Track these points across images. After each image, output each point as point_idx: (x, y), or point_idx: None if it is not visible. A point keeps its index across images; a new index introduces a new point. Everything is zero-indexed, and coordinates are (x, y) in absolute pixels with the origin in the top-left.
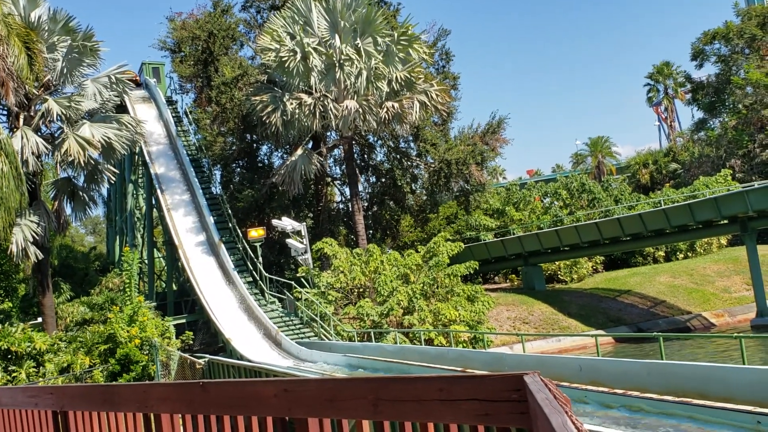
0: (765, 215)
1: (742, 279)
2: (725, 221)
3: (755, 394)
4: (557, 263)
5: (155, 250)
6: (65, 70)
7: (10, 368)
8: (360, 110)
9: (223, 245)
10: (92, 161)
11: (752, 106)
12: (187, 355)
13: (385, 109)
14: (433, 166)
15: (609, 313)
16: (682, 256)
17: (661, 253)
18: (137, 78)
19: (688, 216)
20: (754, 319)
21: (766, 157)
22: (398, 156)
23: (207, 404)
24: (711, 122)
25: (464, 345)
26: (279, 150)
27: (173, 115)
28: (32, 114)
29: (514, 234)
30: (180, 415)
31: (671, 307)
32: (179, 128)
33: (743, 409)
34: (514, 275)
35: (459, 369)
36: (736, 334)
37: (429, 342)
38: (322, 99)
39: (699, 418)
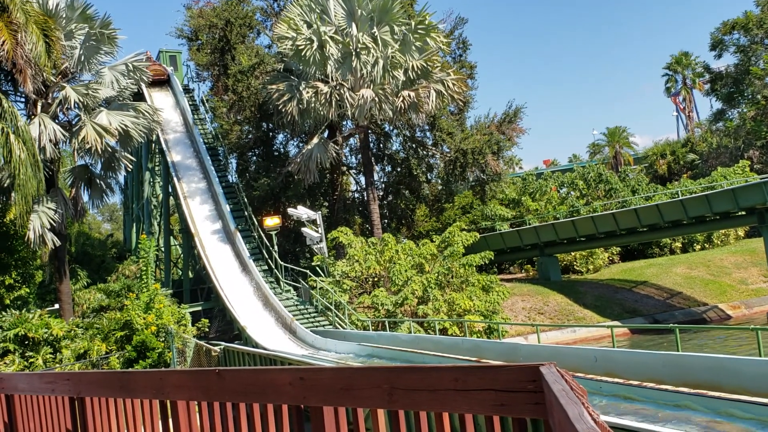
0: None
1: (759, 271)
2: (743, 212)
3: None
4: (573, 254)
5: (172, 237)
6: (83, 58)
7: (27, 354)
8: (376, 99)
9: (238, 233)
10: (109, 149)
11: None
12: (203, 343)
13: (401, 98)
14: (448, 155)
15: (625, 304)
16: (699, 247)
17: (678, 245)
18: (164, 72)
19: (705, 207)
20: None
21: None
22: (414, 145)
23: (223, 391)
24: (729, 113)
25: (479, 335)
26: (295, 139)
27: (190, 103)
28: (50, 101)
29: (529, 224)
30: (196, 402)
31: (687, 298)
32: (196, 116)
33: (759, 401)
34: (529, 265)
35: (473, 359)
36: (752, 326)
37: (443, 332)
38: (338, 88)
39: (716, 410)
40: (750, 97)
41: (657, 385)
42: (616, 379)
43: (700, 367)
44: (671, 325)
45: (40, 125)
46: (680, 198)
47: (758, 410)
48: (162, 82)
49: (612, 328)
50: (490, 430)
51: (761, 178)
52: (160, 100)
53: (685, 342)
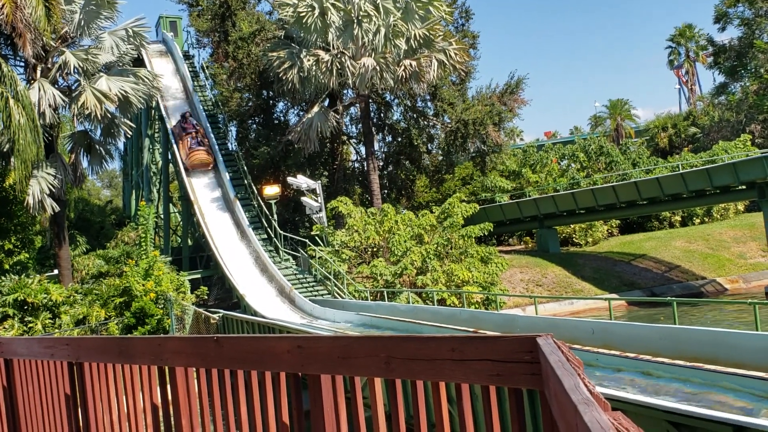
0: None
1: (758, 245)
2: (743, 187)
3: (767, 360)
4: (572, 226)
5: (171, 205)
6: (83, 23)
7: (26, 319)
8: (377, 68)
9: (238, 202)
10: (109, 115)
11: None
12: (201, 310)
13: (402, 67)
14: (449, 126)
15: (623, 277)
16: (699, 221)
17: (678, 218)
18: (209, 162)
19: (705, 181)
20: None
21: None
22: (415, 115)
23: (221, 358)
24: (732, 86)
25: (477, 306)
26: (295, 107)
27: (190, 69)
28: (49, 66)
29: (529, 196)
30: (194, 369)
31: (686, 272)
32: (196, 83)
33: (755, 374)
34: (528, 237)
35: (471, 330)
36: (749, 300)
37: (442, 302)
38: (339, 56)
39: (711, 384)
40: (753, 70)
41: (653, 357)
42: (613, 351)
43: (696, 341)
44: (669, 298)
45: (39, 90)
46: (681, 171)
47: (754, 384)
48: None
49: (609, 301)
50: (487, 400)
51: (762, 153)
52: (160, 66)
53: (682, 315)
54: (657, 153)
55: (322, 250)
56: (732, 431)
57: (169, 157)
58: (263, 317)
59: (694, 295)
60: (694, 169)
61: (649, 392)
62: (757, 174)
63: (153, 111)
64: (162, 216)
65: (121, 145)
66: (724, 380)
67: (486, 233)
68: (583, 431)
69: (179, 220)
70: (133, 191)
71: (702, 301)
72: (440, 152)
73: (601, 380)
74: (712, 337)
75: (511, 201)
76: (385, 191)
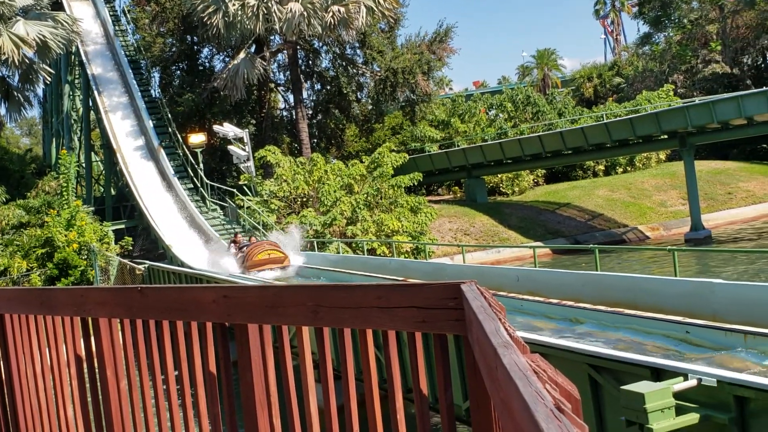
0: (704, 131)
1: (678, 193)
2: (665, 136)
3: (684, 305)
4: (499, 176)
5: (93, 153)
6: None
7: None
8: (305, 14)
9: (162, 150)
10: (27, 60)
11: (697, 21)
12: (126, 261)
13: (330, 14)
14: (379, 74)
15: (548, 226)
16: (622, 170)
17: (601, 167)
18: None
19: (629, 130)
20: (688, 233)
21: (708, 73)
22: (344, 63)
23: (146, 309)
24: (656, 36)
25: (406, 255)
26: (221, 53)
27: (111, 13)
28: None
29: (458, 146)
30: (118, 320)
31: (608, 220)
32: (117, 28)
33: (673, 319)
34: (457, 187)
35: (400, 279)
36: (669, 247)
37: (372, 252)
38: (265, 0)
39: (631, 328)
40: (677, 20)
41: (576, 303)
42: (537, 298)
43: (617, 286)
44: (591, 245)
45: None
46: (605, 121)
47: (672, 328)
48: None
49: (534, 249)
50: (413, 345)
51: (684, 103)
52: (80, 10)
53: (604, 262)
54: (582, 103)
55: (250, 200)
56: (650, 374)
57: (90, 103)
58: (190, 268)
59: (617, 242)
60: (618, 119)
61: (571, 337)
62: (678, 123)
63: (73, 56)
64: (84, 165)
65: (40, 92)
66: (643, 324)
67: (415, 183)
68: (503, 373)
69: (101, 168)
70: (54, 139)
71: (624, 249)
72: (370, 101)
73: (525, 325)
74: (632, 283)
75: (440, 151)
76: (315, 140)
